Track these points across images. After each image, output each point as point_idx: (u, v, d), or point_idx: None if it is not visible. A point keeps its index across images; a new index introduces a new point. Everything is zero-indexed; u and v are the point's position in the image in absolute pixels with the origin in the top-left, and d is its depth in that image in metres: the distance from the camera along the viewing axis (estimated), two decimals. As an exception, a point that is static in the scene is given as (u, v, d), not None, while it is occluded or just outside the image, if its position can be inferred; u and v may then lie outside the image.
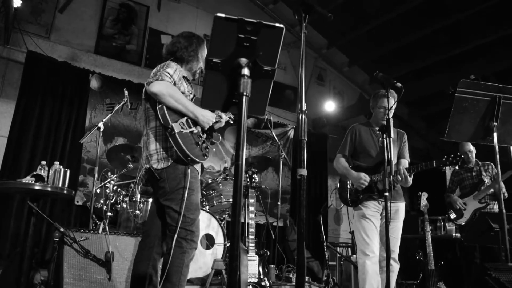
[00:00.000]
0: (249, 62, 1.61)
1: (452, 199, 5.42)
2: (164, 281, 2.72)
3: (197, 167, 2.94)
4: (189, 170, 2.80)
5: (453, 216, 5.42)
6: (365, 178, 3.66)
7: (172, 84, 2.78)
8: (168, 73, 2.80)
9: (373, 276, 3.52)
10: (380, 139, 3.63)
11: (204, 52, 3.14)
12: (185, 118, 2.81)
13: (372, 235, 3.61)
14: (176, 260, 2.72)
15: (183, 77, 3.00)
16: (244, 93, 1.55)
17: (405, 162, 3.86)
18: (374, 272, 3.53)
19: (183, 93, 2.88)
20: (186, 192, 2.75)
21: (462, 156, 3.43)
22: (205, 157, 2.88)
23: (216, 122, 3.13)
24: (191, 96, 3.01)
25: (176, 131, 2.69)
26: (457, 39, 7.45)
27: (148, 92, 2.75)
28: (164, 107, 2.73)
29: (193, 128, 2.84)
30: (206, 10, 7.68)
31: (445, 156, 3.44)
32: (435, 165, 3.47)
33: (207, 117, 2.91)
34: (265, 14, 8.23)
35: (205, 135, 2.95)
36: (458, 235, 6.00)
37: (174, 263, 2.72)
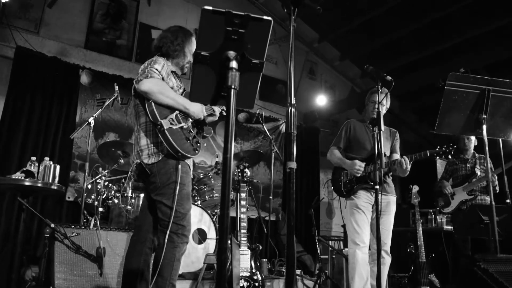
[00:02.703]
0: (237, 55, 1.60)
1: (443, 184, 5.40)
2: (156, 276, 2.72)
3: (188, 161, 2.94)
4: (179, 165, 2.81)
5: (441, 203, 5.42)
6: (360, 164, 3.76)
7: (161, 80, 2.79)
8: (156, 69, 2.80)
9: (363, 265, 3.58)
10: (372, 132, 3.72)
11: (192, 46, 3.13)
12: (175, 113, 2.81)
13: (363, 225, 3.69)
14: (167, 255, 2.73)
15: (172, 72, 2.99)
16: (233, 86, 1.55)
17: (397, 156, 3.93)
18: (364, 262, 3.60)
19: (171, 88, 2.88)
20: (178, 186, 2.76)
21: (455, 146, 3.48)
22: (196, 151, 2.88)
23: (210, 115, 3.13)
24: (181, 90, 3.01)
25: (165, 127, 2.70)
26: (447, 32, 7.48)
27: (137, 90, 2.76)
28: (153, 103, 2.73)
29: (183, 124, 2.84)
30: (196, 4, 7.64)
31: (438, 146, 3.51)
32: (428, 155, 3.59)
33: (198, 109, 2.91)
34: (255, 8, 8.21)
35: (195, 129, 2.95)
36: (449, 227, 6.05)
37: (166, 258, 2.72)
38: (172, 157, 2.79)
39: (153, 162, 2.79)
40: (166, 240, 2.71)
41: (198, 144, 2.93)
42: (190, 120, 2.94)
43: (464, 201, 5.20)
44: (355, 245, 3.65)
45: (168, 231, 2.72)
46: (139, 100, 2.89)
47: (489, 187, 3.19)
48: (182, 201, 2.80)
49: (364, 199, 3.78)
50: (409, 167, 3.62)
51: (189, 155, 2.82)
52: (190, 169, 2.97)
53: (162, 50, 3.03)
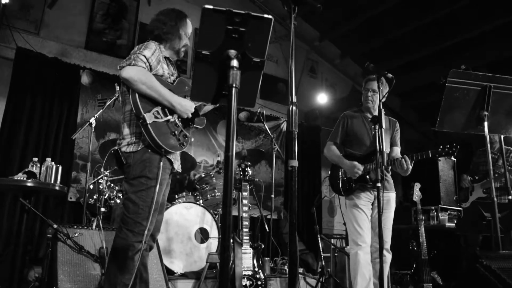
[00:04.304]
0: (238, 53, 1.60)
1: (462, 177, 5.29)
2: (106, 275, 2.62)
3: (172, 156, 2.78)
4: (161, 163, 2.65)
5: (461, 197, 5.31)
6: (359, 167, 3.70)
7: (145, 70, 2.61)
8: (144, 56, 2.63)
9: (365, 266, 3.56)
10: (372, 126, 3.68)
11: (187, 29, 2.98)
12: (161, 106, 2.65)
13: (364, 225, 3.65)
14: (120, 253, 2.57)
15: (165, 57, 2.84)
16: (234, 85, 1.55)
17: (397, 150, 3.90)
18: (366, 262, 3.58)
19: (161, 76, 2.73)
20: (148, 181, 2.60)
21: (458, 147, 3.45)
22: (183, 146, 2.74)
23: (205, 104, 2.96)
24: (173, 77, 2.87)
25: (148, 121, 2.54)
26: (448, 31, 7.47)
27: (120, 77, 2.60)
28: (137, 94, 2.57)
29: (169, 117, 2.69)
30: (196, 3, 7.62)
31: (441, 147, 3.48)
32: (430, 155, 3.53)
33: (185, 106, 2.74)
34: (255, 6, 8.20)
35: (180, 122, 2.78)
36: (451, 224, 6.03)
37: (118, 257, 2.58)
38: (153, 150, 2.63)
39: (131, 151, 2.63)
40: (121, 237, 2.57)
41: (186, 138, 2.77)
42: None
43: (479, 198, 5.09)
44: (356, 246, 3.62)
45: (125, 228, 2.56)
46: (125, 87, 2.72)
47: (491, 185, 3.18)
48: (147, 198, 2.59)
49: (363, 198, 3.73)
50: (410, 167, 3.57)
51: (173, 151, 2.68)
52: (172, 163, 2.79)
53: (155, 33, 2.87)
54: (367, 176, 3.72)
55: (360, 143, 3.86)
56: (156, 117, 2.60)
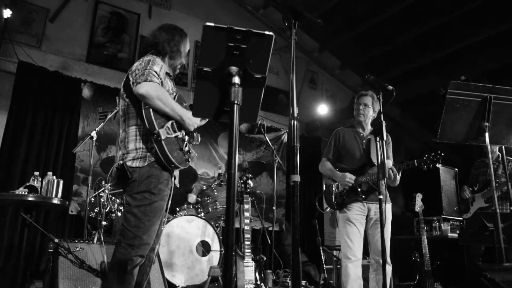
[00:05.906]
0: (240, 70, 1.60)
1: (463, 188, 5.29)
2: None
3: (174, 171, 2.82)
4: (172, 179, 2.71)
5: (461, 209, 5.31)
6: (350, 177, 3.76)
7: (160, 86, 2.65)
8: (155, 71, 2.66)
9: (355, 279, 3.58)
10: (364, 141, 3.76)
11: (186, 47, 3.03)
12: (170, 122, 2.68)
13: (355, 239, 3.68)
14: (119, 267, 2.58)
15: (166, 73, 2.87)
16: (235, 102, 1.55)
17: (390, 162, 3.91)
18: (356, 276, 3.60)
19: (167, 91, 2.74)
20: (152, 197, 2.62)
21: (442, 154, 3.46)
22: (187, 162, 2.78)
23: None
24: (174, 94, 2.89)
25: (162, 137, 2.58)
26: (447, 39, 7.50)
27: (135, 93, 2.61)
28: (151, 110, 2.60)
29: (178, 133, 2.72)
30: (197, 16, 7.67)
31: (426, 155, 3.52)
32: (416, 164, 3.59)
33: (193, 120, 2.79)
34: (255, 19, 8.24)
35: (187, 137, 2.83)
36: (454, 235, 6.01)
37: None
38: (161, 166, 2.66)
39: (137, 166, 2.63)
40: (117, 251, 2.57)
41: (189, 153, 2.81)
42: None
43: (481, 208, 5.08)
44: (346, 259, 3.64)
45: (124, 243, 2.56)
46: (130, 100, 2.74)
47: (493, 195, 3.17)
48: (150, 213, 2.60)
49: (356, 211, 3.75)
50: (398, 177, 3.62)
51: (182, 167, 2.71)
52: (174, 178, 2.83)
53: (159, 48, 2.89)
54: (359, 189, 3.76)
55: (351, 157, 3.91)
56: (167, 133, 2.63)
